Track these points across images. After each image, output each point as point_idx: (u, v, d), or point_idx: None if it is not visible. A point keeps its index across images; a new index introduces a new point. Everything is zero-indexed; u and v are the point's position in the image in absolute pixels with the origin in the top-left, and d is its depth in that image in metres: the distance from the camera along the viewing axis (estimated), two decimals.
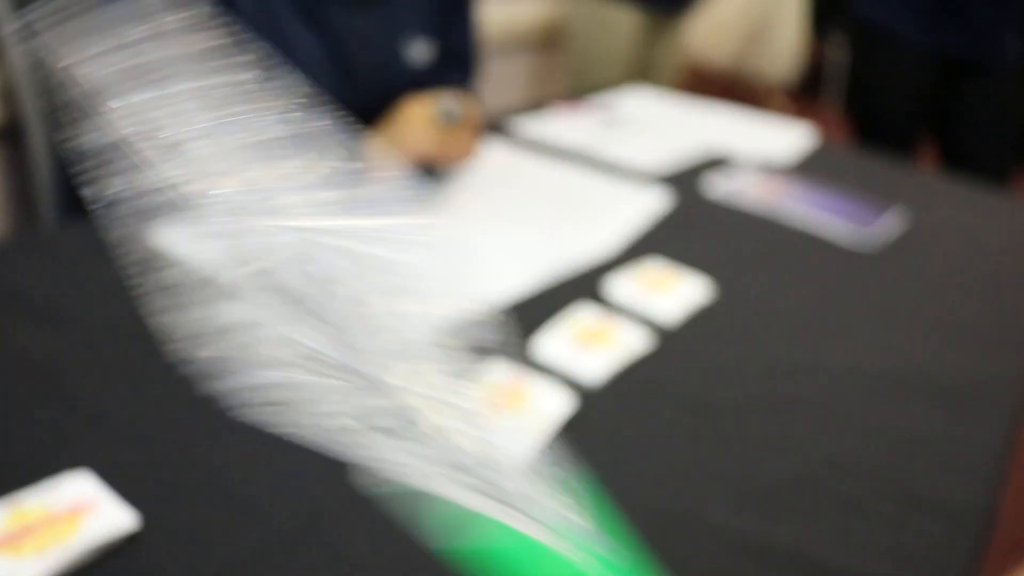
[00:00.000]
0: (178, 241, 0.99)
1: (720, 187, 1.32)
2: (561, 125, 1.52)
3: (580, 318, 0.90)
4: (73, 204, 1.44)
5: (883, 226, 1.23)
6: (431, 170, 1.21)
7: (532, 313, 0.91)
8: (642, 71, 2.23)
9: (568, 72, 2.26)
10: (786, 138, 1.59)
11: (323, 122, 0.37)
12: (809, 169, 1.45)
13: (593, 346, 0.85)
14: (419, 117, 1.15)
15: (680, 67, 2.37)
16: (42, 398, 0.74)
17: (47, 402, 0.73)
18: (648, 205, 1.22)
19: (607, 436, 0.76)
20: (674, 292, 0.98)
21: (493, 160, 1.33)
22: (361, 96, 1.24)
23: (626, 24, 2.13)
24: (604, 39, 2.15)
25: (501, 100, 1.39)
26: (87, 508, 0.61)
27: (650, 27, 2.22)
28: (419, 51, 1.32)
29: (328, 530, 0.63)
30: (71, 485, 0.63)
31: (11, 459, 0.67)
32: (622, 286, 0.98)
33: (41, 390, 0.75)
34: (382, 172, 0.39)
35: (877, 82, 2.04)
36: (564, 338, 0.86)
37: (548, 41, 2.55)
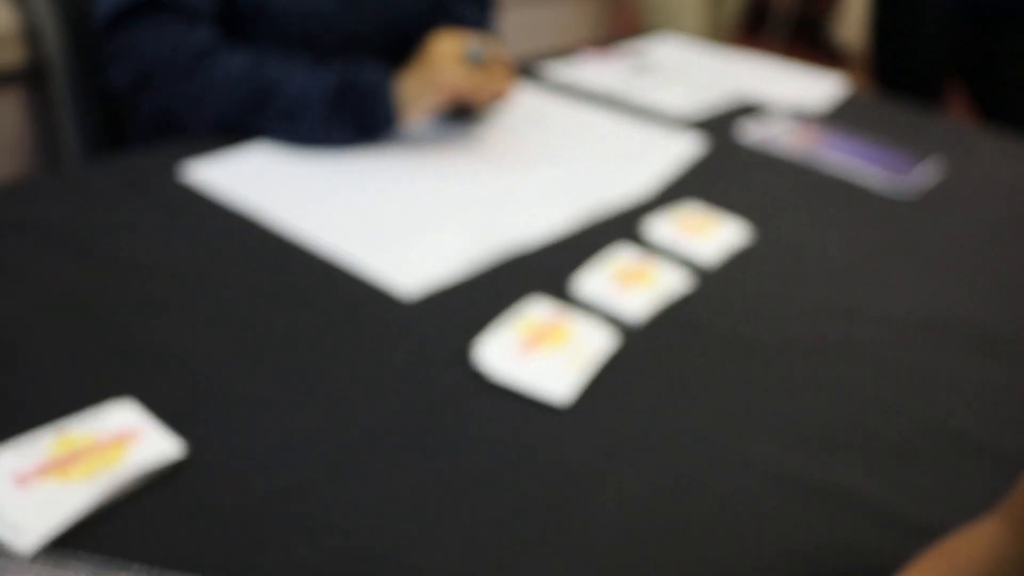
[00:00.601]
0: (219, 179, 0.99)
1: (753, 134, 1.30)
2: (591, 70, 1.50)
3: (620, 258, 0.89)
4: (97, 146, 1.43)
5: (920, 174, 1.21)
6: (463, 110, 1.19)
7: (571, 253, 0.90)
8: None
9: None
10: (818, 86, 1.56)
11: None
12: (842, 118, 1.42)
13: (633, 285, 0.84)
14: (449, 54, 1.12)
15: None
16: (82, 330, 0.73)
17: (88, 334, 0.73)
18: (681, 150, 1.20)
19: (650, 374, 0.75)
20: (712, 235, 0.97)
21: (524, 104, 1.31)
22: (368, 27, 1.22)
23: None
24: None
25: (528, 47, 1.37)
26: (133, 436, 0.61)
27: None
28: None
29: (370, 464, 0.63)
30: (116, 413, 0.62)
31: (55, 389, 0.66)
32: (660, 228, 0.96)
33: (80, 323, 0.74)
34: None
35: (906, 33, 2.01)
36: (604, 277, 0.85)
37: None
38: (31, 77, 1.51)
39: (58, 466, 0.57)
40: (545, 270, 0.87)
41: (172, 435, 0.62)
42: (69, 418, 0.62)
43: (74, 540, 0.54)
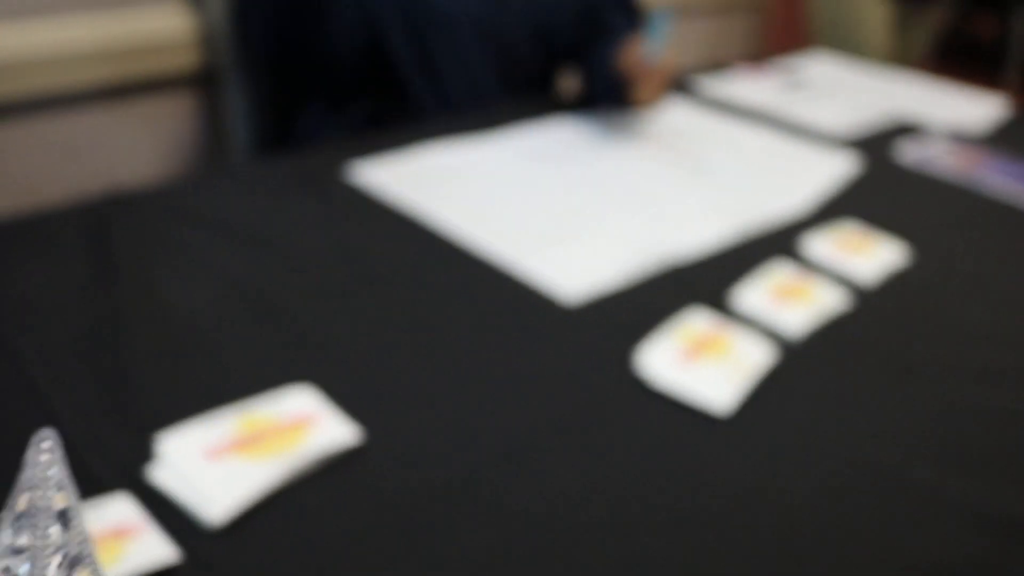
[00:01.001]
0: (386, 180, 1.03)
1: (911, 154, 1.28)
2: (744, 86, 1.50)
3: (777, 273, 0.89)
4: (263, 147, 1.49)
5: None
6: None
7: (728, 266, 0.91)
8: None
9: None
10: (978, 108, 1.52)
11: None
12: (1004, 140, 1.38)
13: (791, 301, 0.84)
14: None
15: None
16: (261, 318, 0.77)
17: (266, 322, 0.77)
18: (836, 168, 1.19)
19: (808, 389, 0.75)
20: (870, 254, 0.95)
21: (679, 117, 1.32)
22: (519, 33, 1.25)
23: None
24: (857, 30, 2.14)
25: (679, 60, 1.38)
26: (312, 420, 0.64)
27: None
28: None
29: (534, 461, 0.64)
30: (296, 398, 0.66)
31: (236, 372, 0.70)
32: (818, 245, 0.96)
33: (258, 311, 0.78)
34: None
35: None
36: (763, 291, 0.85)
37: (727, 6, 2.50)
38: (203, 81, 1.59)
39: (243, 444, 0.61)
40: (703, 282, 0.88)
41: (349, 422, 0.65)
42: (252, 400, 0.65)
43: (257, 516, 0.57)
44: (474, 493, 0.61)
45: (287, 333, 0.76)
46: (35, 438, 0.39)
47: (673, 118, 1.30)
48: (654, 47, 1.14)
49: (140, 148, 1.61)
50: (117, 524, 0.54)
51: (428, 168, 1.08)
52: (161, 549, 0.53)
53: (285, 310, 0.79)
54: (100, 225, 0.91)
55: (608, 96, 1.25)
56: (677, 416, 0.70)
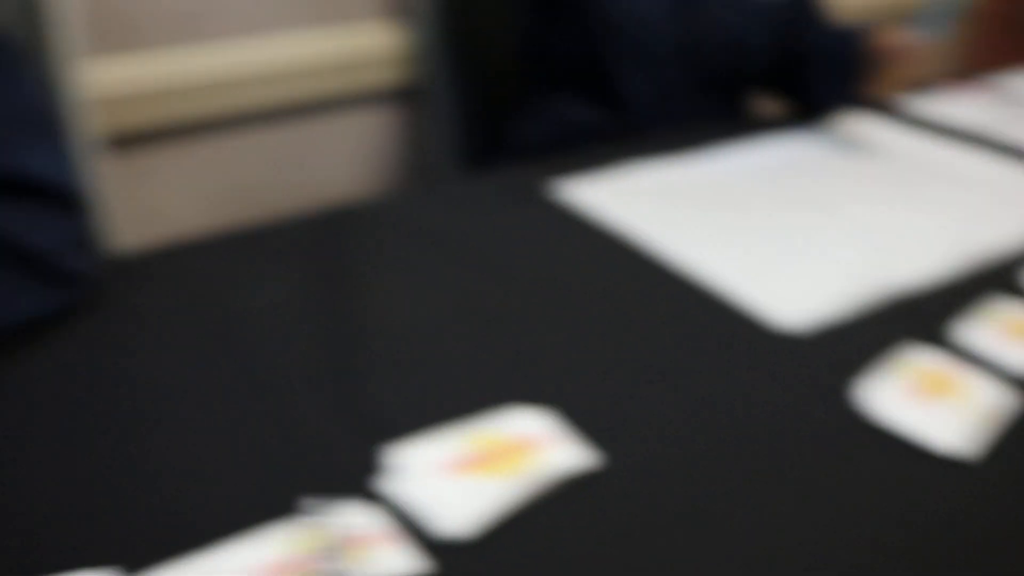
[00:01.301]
0: (595, 197, 1.05)
1: None
2: (953, 105, 1.45)
3: (1005, 312, 0.86)
4: (469, 162, 1.53)
5: None
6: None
7: (948, 299, 0.88)
8: None
9: None
10: None
11: None
12: None
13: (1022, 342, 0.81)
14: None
15: None
16: (484, 334, 0.81)
17: (491, 338, 0.80)
18: None
19: None
20: None
21: (887, 139, 1.29)
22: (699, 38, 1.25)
23: None
24: None
25: None
26: (544, 442, 0.66)
27: None
28: None
29: (765, 490, 0.64)
30: (526, 419, 0.68)
31: (465, 389, 0.73)
32: None
33: (481, 326, 0.82)
34: None
35: None
36: (991, 330, 0.83)
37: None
38: (410, 96, 1.65)
39: (478, 462, 0.63)
40: (924, 315, 0.86)
41: (589, 443, 0.66)
42: (480, 418, 0.68)
43: (491, 534, 0.59)
44: (703, 523, 0.61)
45: (510, 351, 0.78)
46: None
47: (884, 139, 1.27)
48: (927, 31, 1.12)
49: (345, 160, 1.68)
50: (356, 532, 0.57)
51: (638, 186, 1.10)
52: (400, 560, 0.56)
53: (507, 328, 0.82)
54: (327, 237, 0.96)
55: (832, 81, 1.25)
56: (902, 455, 0.68)
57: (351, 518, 0.58)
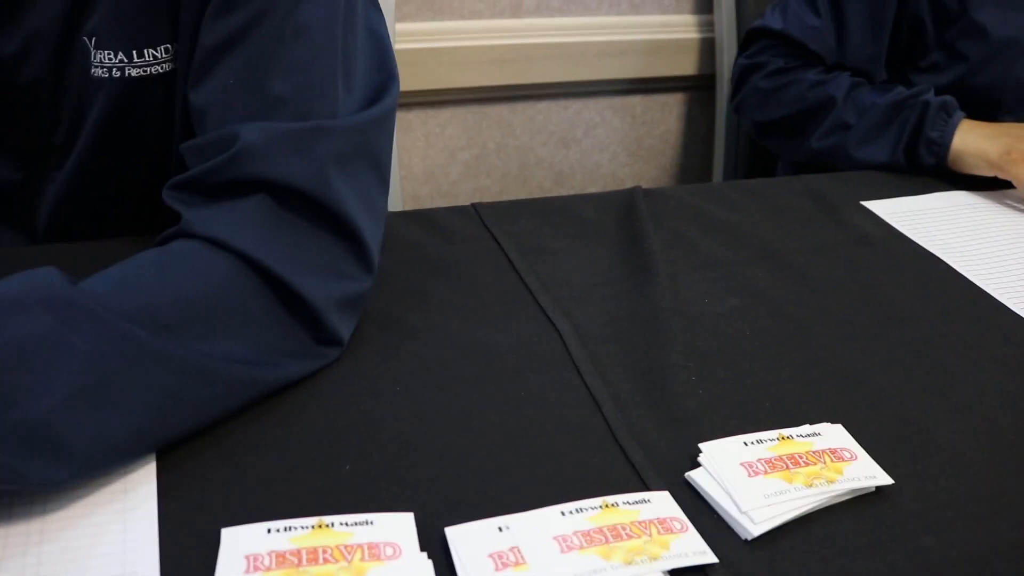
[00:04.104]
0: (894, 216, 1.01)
1: None
2: None
3: None
4: (747, 163, 1.51)
5: None
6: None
7: None
8: None
9: None
10: None
11: None
12: None
13: None
14: None
15: None
16: (785, 338, 0.80)
17: (790, 343, 0.80)
18: None
19: None
20: None
21: None
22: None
23: None
24: None
25: None
26: (848, 457, 0.65)
27: None
28: None
29: None
30: (831, 433, 0.68)
31: (772, 396, 0.73)
32: None
33: (782, 330, 0.81)
34: None
35: None
36: None
37: None
38: (706, 86, 1.64)
39: (782, 466, 0.63)
40: None
41: (881, 463, 0.65)
42: (788, 427, 0.68)
43: (783, 536, 0.59)
44: (1006, 570, 0.58)
45: (811, 361, 0.78)
46: None
47: None
48: None
49: (635, 142, 1.69)
50: (662, 519, 0.58)
51: (949, 210, 1.06)
52: (701, 549, 0.57)
53: (810, 336, 0.81)
54: (630, 217, 0.97)
55: None
56: None
57: (655, 506, 0.60)
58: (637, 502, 0.59)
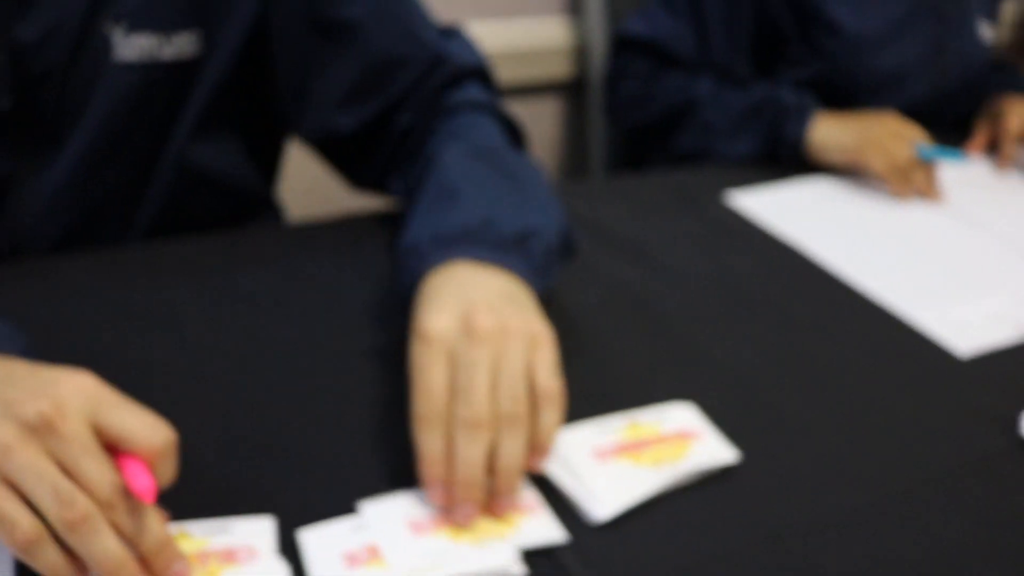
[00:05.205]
0: (760, 206, 1.04)
1: None
2: None
3: None
4: (621, 158, 1.54)
5: None
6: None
7: None
8: None
9: None
10: None
11: None
12: None
13: None
14: (895, 131, 1.15)
15: None
16: (645, 329, 0.81)
17: (649, 333, 0.81)
18: None
19: None
20: None
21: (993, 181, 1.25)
22: (951, 84, 1.24)
23: None
24: None
25: None
26: (694, 436, 0.66)
27: None
28: (985, 33, 1.33)
29: (917, 507, 0.63)
30: (679, 413, 0.69)
31: (624, 380, 0.74)
32: None
33: (642, 322, 0.82)
34: None
35: None
36: None
37: None
38: (574, 89, 1.67)
39: (630, 450, 0.64)
40: None
41: (726, 441, 0.67)
42: (637, 410, 0.69)
43: (633, 518, 0.60)
44: (848, 534, 0.61)
45: (668, 346, 0.79)
46: None
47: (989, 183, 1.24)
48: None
49: None
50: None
51: (808, 200, 1.10)
52: (549, 527, 0.59)
53: (666, 323, 0.83)
54: None
55: None
56: None
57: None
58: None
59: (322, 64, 0.85)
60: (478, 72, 0.92)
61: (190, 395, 0.68)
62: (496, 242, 0.67)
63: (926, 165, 1.13)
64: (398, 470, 0.62)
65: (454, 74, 0.89)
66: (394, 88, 0.86)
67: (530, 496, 0.60)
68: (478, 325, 0.58)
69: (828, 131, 1.16)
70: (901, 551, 0.60)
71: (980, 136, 1.28)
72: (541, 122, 1.71)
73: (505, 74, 1.57)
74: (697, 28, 1.29)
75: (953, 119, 1.34)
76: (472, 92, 0.89)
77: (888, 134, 1.14)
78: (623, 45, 1.35)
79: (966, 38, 1.33)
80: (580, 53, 1.61)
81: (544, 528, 0.58)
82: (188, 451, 0.64)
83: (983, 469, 0.68)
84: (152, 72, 0.80)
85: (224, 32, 0.82)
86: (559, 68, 1.63)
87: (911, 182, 1.12)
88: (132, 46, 0.78)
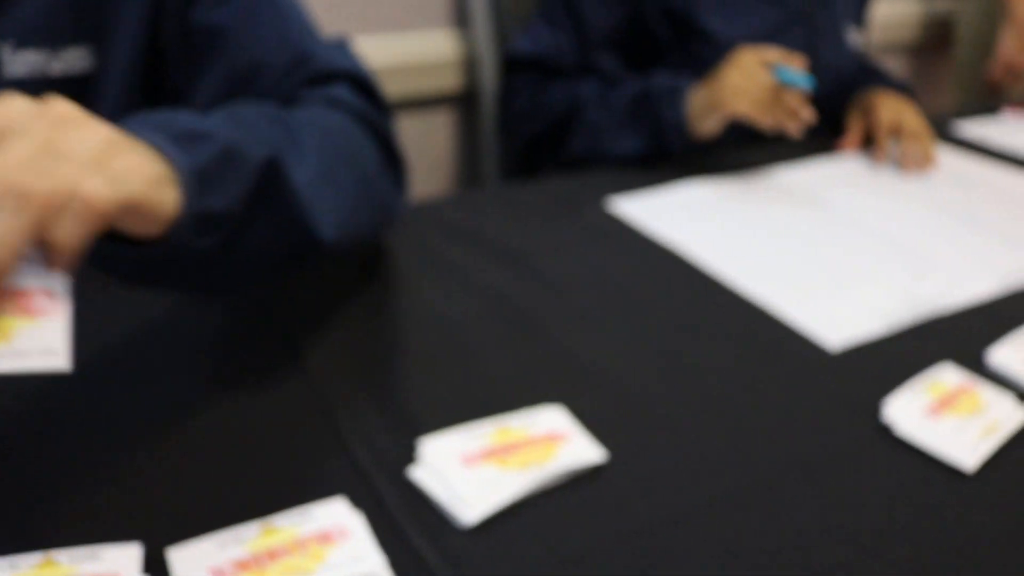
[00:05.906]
0: (641, 210, 1.07)
1: None
2: (1013, 131, 1.44)
3: None
4: (515, 168, 1.56)
5: None
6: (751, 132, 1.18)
7: (988, 321, 0.89)
8: None
9: (959, 75, 2.12)
10: None
11: None
12: None
13: None
14: (745, 65, 1.16)
15: None
16: (518, 335, 0.83)
17: (523, 339, 0.82)
18: None
19: None
20: None
21: (942, 163, 1.29)
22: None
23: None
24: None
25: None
26: (562, 438, 0.68)
27: None
28: (854, 39, 1.37)
29: (771, 498, 0.65)
30: (549, 416, 0.70)
31: (496, 385, 0.75)
32: None
33: (516, 327, 0.84)
34: None
35: None
36: (1021, 351, 0.83)
37: (930, 43, 2.36)
38: (464, 101, 1.68)
39: (497, 454, 0.65)
40: (960, 336, 0.86)
41: (595, 441, 0.68)
42: (507, 414, 0.70)
43: (503, 521, 0.61)
44: (710, 524, 0.63)
45: (542, 351, 0.80)
46: None
47: (939, 164, 1.28)
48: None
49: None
50: (324, 531, 0.59)
51: (687, 203, 1.12)
52: (361, 556, 0.58)
53: (542, 329, 0.84)
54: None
55: None
56: (920, 468, 0.69)
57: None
58: (299, 518, 0.59)
59: (198, 73, 0.84)
60: (349, 76, 0.88)
61: (56, 420, 0.68)
62: (167, 129, 0.60)
63: (791, 88, 1.14)
64: (271, 494, 0.62)
65: (319, 73, 0.85)
66: (254, 91, 0.84)
67: (348, 525, 0.60)
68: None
69: (696, 101, 1.19)
70: (760, 537, 0.62)
71: (854, 131, 1.33)
72: (434, 135, 1.71)
73: (396, 88, 1.59)
74: (579, 40, 1.31)
75: (828, 121, 1.38)
76: (336, 91, 0.84)
77: (742, 74, 1.16)
78: (510, 65, 1.37)
79: (837, 44, 1.38)
80: (469, 65, 1.63)
81: (354, 557, 0.57)
82: (57, 477, 0.63)
83: (844, 456, 0.70)
84: (42, 87, 0.78)
85: (116, 46, 0.81)
86: (449, 81, 1.63)
87: (779, 110, 1.15)
88: (20, 62, 0.78)
